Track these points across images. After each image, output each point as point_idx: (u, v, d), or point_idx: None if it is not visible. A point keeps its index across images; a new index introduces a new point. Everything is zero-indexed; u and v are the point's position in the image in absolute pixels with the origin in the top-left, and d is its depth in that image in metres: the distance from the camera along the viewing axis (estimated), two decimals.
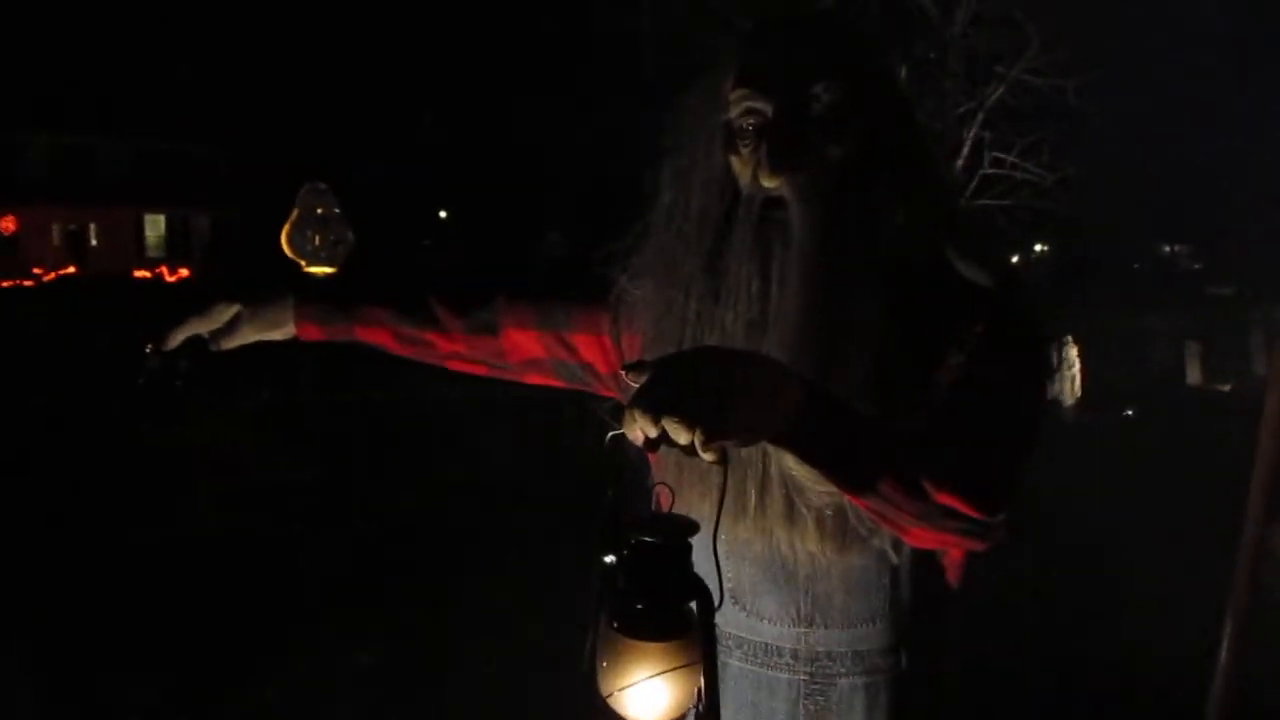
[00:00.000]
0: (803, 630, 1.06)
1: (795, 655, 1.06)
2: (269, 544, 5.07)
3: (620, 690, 0.79)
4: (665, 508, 0.83)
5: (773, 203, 1.00)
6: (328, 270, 1.40)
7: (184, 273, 26.77)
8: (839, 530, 1.00)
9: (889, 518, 0.89)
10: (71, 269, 26.01)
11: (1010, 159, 9.25)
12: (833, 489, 0.89)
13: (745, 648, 1.09)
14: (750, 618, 1.08)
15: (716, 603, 0.80)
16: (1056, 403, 9.25)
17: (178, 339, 1.23)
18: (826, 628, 1.06)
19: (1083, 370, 9.43)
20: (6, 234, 26.57)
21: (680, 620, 0.79)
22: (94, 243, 28.72)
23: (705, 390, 0.75)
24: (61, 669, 3.56)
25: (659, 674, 0.78)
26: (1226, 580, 2.12)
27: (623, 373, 0.81)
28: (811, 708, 1.06)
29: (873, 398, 0.94)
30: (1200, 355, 11.48)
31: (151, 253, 29.74)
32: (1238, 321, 12.79)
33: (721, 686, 0.88)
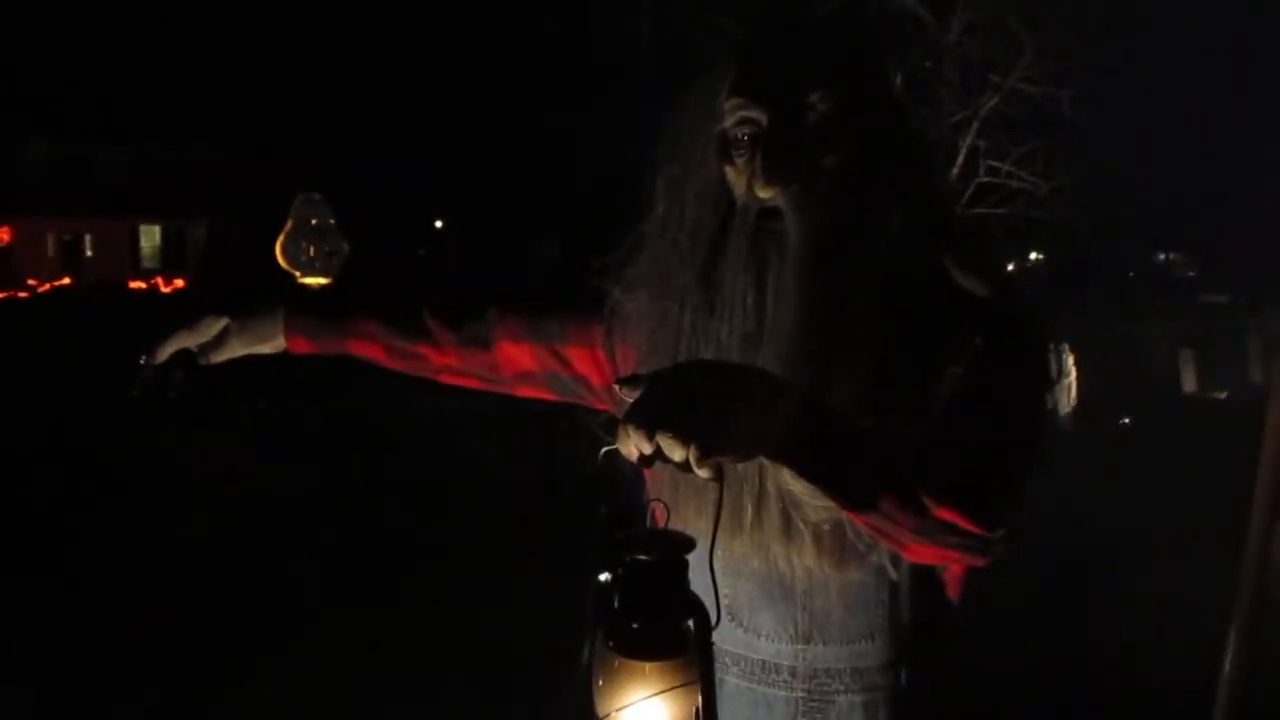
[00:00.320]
0: (801, 647, 1.05)
1: (793, 672, 1.05)
2: (266, 550, 5.06)
3: (617, 710, 0.78)
4: (661, 524, 0.82)
5: (768, 213, 0.99)
6: (322, 281, 1.39)
7: (179, 283, 26.73)
8: (837, 546, 0.98)
9: (887, 533, 0.88)
10: (66, 279, 25.97)
11: (1005, 167, 9.28)
12: (830, 504, 0.88)
13: (742, 665, 1.08)
14: (747, 634, 1.07)
15: (714, 621, 0.79)
16: (1053, 411, 9.25)
17: (166, 352, 1.23)
18: (825, 644, 1.04)
19: (1079, 378, 9.43)
20: (1, 245, 26.55)
21: (677, 639, 0.78)
22: (89, 253, 28.70)
23: (700, 405, 0.74)
24: (61, 673, 3.57)
25: (656, 694, 0.77)
26: (1226, 586, 2.11)
27: (616, 387, 0.79)
28: None
29: (870, 411, 0.92)
30: (1196, 363, 11.50)
31: (147, 263, 29.72)
32: (1233, 329, 12.82)
33: (718, 704, 0.87)
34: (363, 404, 7.80)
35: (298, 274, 1.38)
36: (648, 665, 0.77)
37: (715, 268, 1.02)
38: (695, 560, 0.79)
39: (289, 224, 1.40)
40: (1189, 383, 11.40)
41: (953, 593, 1.08)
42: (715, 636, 0.80)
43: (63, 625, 4.02)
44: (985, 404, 0.94)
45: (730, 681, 1.08)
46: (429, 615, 4.12)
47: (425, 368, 1.29)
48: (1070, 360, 9.40)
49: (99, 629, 4.00)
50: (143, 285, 26.13)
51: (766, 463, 0.92)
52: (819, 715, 1.05)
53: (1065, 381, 9.31)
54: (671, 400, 0.74)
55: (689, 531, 0.82)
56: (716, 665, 0.95)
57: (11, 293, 23.09)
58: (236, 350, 1.27)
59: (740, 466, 0.96)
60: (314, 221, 1.41)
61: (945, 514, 0.85)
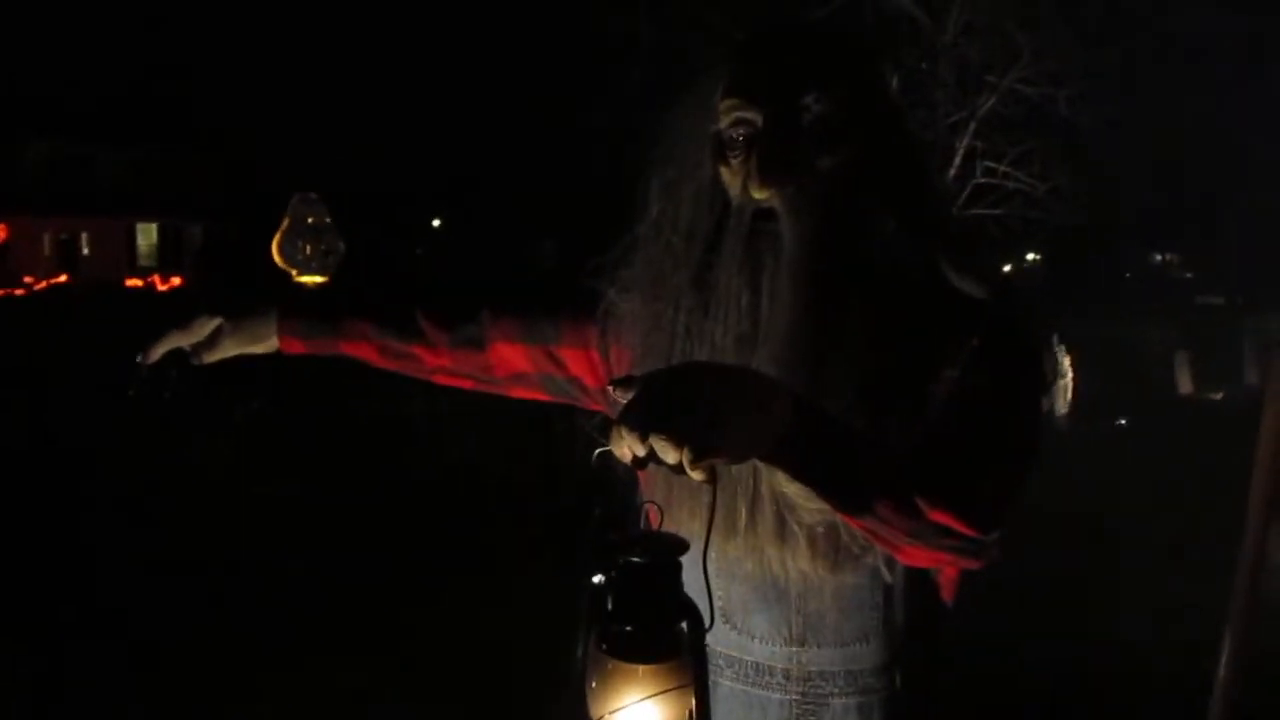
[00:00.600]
0: (794, 649, 1.04)
1: (787, 675, 1.05)
2: (264, 550, 5.05)
3: (610, 713, 0.77)
4: (655, 526, 0.82)
5: (763, 214, 0.99)
6: (318, 280, 1.39)
7: (176, 282, 26.70)
8: (831, 548, 0.98)
9: (882, 536, 0.87)
10: (63, 278, 25.94)
11: (1002, 168, 9.28)
12: (825, 507, 0.87)
13: (736, 667, 1.07)
14: (741, 637, 1.06)
15: (707, 623, 0.78)
16: (1049, 412, 9.25)
17: (159, 352, 1.22)
18: (819, 647, 1.04)
19: (1075, 379, 9.44)
20: None
21: (671, 642, 0.78)
22: (86, 251, 28.69)
23: (694, 407, 0.73)
24: (52, 686, 3.54)
25: (649, 697, 0.77)
26: (1222, 587, 2.11)
27: (610, 389, 0.79)
28: None
29: (865, 413, 0.92)
30: (1191, 364, 11.52)
31: (143, 262, 29.70)
32: (1229, 330, 12.85)
33: (712, 707, 0.86)
34: (358, 405, 7.80)
35: (294, 272, 1.38)
36: (641, 668, 0.77)
37: (710, 269, 1.02)
38: (689, 562, 0.78)
39: (285, 223, 1.40)
40: (1185, 384, 11.42)
41: (947, 595, 1.07)
42: (709, 639, 0.79)
43: (58, 626, 3.99)
44: (981, 406, 0.94)
45: (724, 684, 1.07)
46: (428, 615, 4.12)
47: (419, 368, 1.28)
48: (1066, 361, 9.40)
49: (97, 629, 3.98)
50: (139, 284, 26.11)
51: (761, 465, 0.92)
52: (813, 718, 1.05)
53: (1061, 383, 9.32)
54: (665, 402, 0.74)
55: (683, 534, 0.82)
56: (710, 668, 0.95)
57: (8, 291, 23.06)
58: (229, 350, 1.27)
59: (734, 469, 0.96)
60: (310, 220, 1.41)
61: (940, 516, 0.85)
